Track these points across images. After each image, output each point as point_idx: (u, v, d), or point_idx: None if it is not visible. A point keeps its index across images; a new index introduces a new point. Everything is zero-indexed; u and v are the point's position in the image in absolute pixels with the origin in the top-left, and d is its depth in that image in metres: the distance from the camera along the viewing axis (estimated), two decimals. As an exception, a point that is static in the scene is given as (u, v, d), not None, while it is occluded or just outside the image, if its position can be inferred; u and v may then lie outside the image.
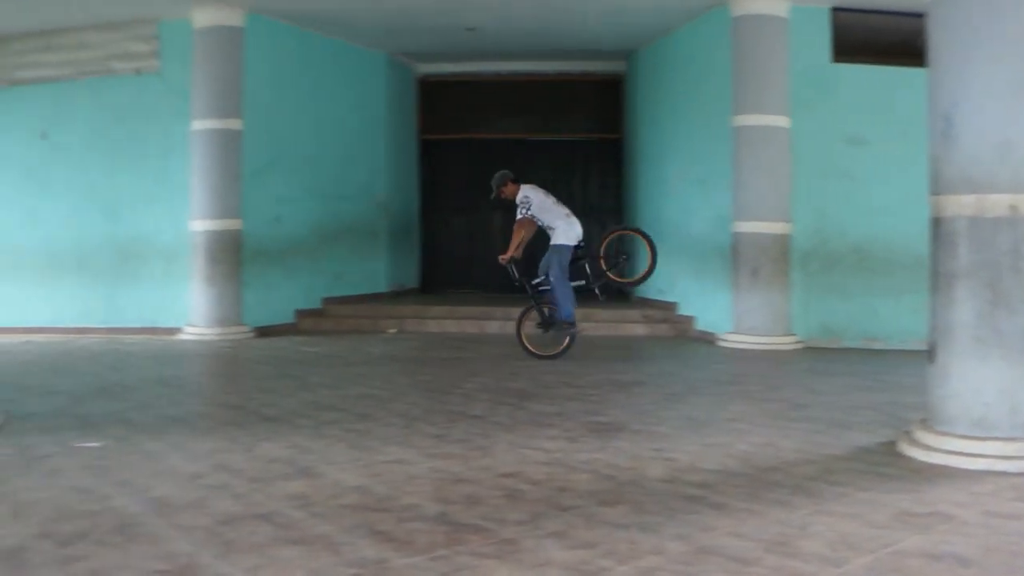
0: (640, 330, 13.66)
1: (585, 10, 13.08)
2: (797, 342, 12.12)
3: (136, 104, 13.76)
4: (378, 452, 6.26)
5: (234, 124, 13.19)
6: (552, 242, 10.92)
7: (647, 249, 11.10)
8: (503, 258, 11.09)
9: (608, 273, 11.23)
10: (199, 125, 13.14)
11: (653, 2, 12.80)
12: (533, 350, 11.08)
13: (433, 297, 16.52)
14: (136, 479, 5.57)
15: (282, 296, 14.00)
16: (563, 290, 10.76)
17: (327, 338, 13.21)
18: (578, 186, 17.46)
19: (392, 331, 13.80)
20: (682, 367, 10.75)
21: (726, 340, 12.24)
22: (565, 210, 11.00)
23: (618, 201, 17.15)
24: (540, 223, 11.00)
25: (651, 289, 13.98)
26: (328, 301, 14.76)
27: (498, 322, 13.72)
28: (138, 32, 13.68)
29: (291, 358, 11.46)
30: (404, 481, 5.53)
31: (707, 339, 12.73)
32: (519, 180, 11.19)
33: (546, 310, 11.07)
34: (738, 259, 12.28)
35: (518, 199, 11.01)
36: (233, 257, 13.01)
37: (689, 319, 13.50)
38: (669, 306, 14.04)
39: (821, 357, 11.41)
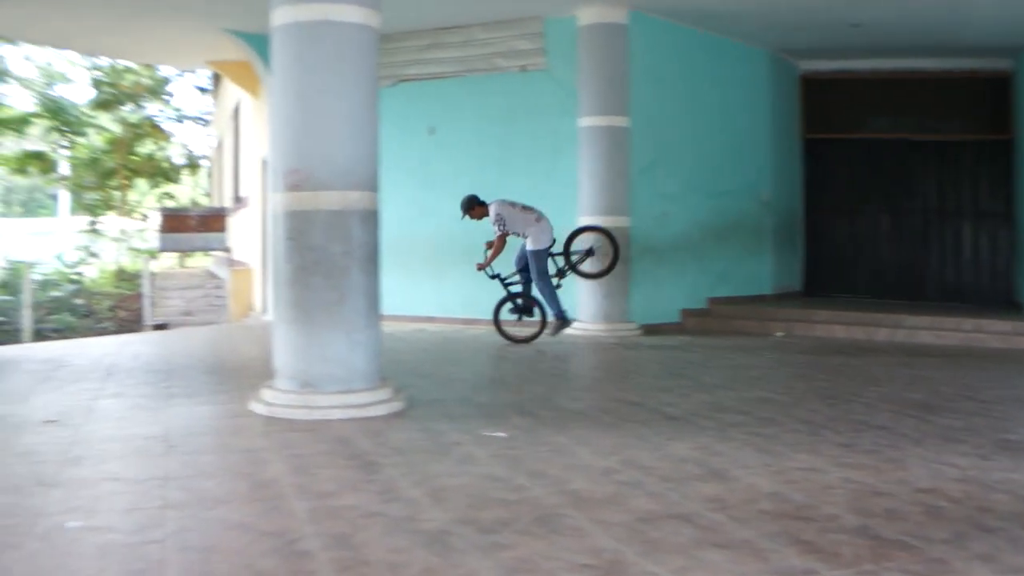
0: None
1: (973, 5, 12.42)
2: None
3: (522, 101, 14.17)
4: (788, 458, 6.09)
5: (620, 121, 13.27)
6: (528, 248, 12.01)
7: (609, 246, 12.22)
8: (480, 266, 12.29)
9: (572, 267, 12.28)
10: (587, 122, 13.32)
11: None
12: (509, 334, 12.27)
13: (818, 300, 16.06)
14: (548, 471, 5.63)
15: (668, 295, 14.04)
16: (548, 291, 12.01)
17: (713, 339, 13.10)
18: (967, 189, 16.51)
19: (780, 334, 13.54)
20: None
21: None
22: (535, 215, 11.99)
23: (1009, 205, 16.07)
24: (515, 234, 12.00)
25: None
26: (713, 301, 14.68)
27: (887, 329, 13.24)
28: (524, 30, 14.05)
29: (680, 357, 11.42)
30: (819, 490, 5.34)
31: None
32: (484, 202, 12.10)
33: (519, 300, 12.35)
34: None
35: (492, 219, 11.93)
36: (622, 254, 12.97)
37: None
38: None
39: None
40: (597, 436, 6.71)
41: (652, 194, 13.71)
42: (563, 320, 12.13)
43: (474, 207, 12.01)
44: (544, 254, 11.95)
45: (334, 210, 7.33)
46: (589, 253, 12.31)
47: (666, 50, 14.12)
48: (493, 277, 12.34)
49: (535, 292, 12.26)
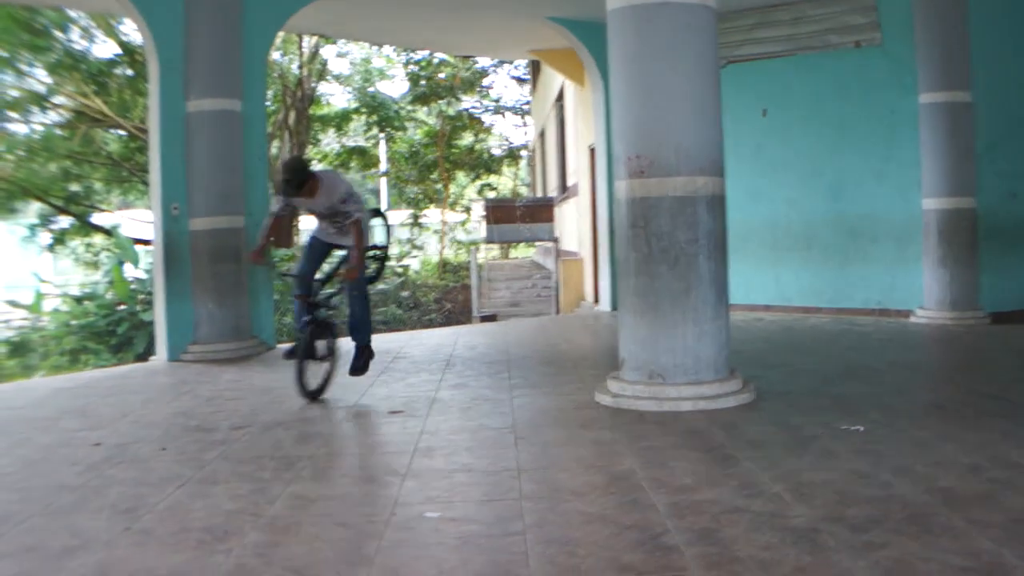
0: None
1: None
2: None
3: (857, 78, 13.78)
4: None
5: (963, 96, 12.70)
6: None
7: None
8: (348, 273, 8.31)
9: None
10: (927, 99, 12.81)
11: None
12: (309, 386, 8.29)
13: None
14: (914, 467, 5.51)
15: (1019, 280, 13.25)
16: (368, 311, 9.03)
17: None
18: None
19: None
20: None
21: None
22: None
23: None
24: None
25: None
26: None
27: None
28: (857, 3, 13.65)
29: None
30: None
31: None
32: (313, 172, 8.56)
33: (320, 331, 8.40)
34: None
35: (341, 196, 8.28)
36: (968, 237, 12.58)
37: None
38: None
39: None
40: (959, 431, 6.49)
41: (1000, 173, 13.04)
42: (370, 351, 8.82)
43: (307, 179, 8.02)
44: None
45: (680, 196, 7.35)
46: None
47: (1010, 16, 13.35)
48: (301, 296, 8.38)
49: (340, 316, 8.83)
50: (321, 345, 8.25)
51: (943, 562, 4.02)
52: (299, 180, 7.83)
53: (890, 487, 5.12)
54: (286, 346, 9.87)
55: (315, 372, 8.24)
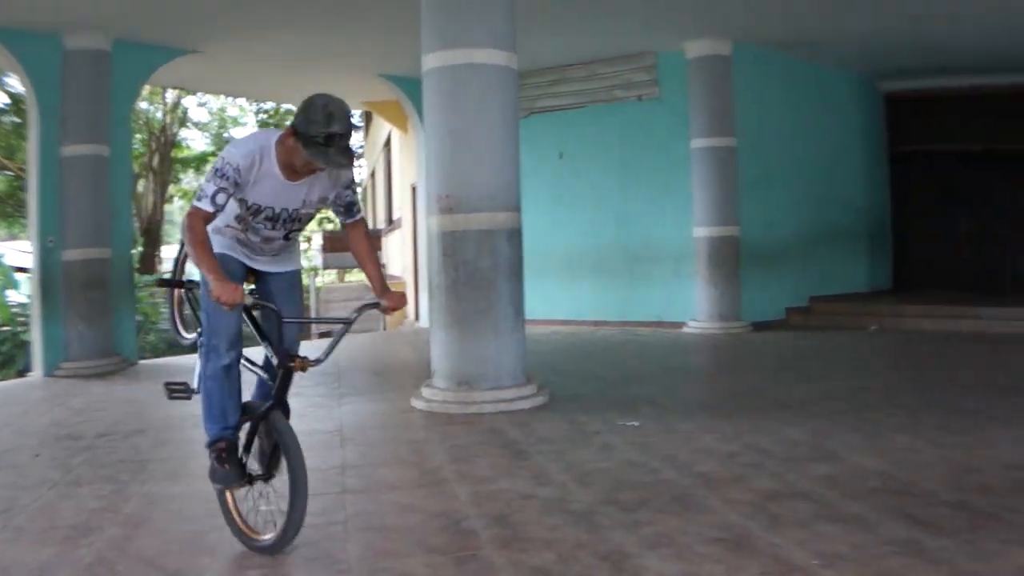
0: None
1: None
2: None
3: (640, 126, 14.06)
4: (890, 440, 6.03)
5: (728, 142, 13.13)
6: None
7: None
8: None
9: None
10: (697, 144, 13.19)
11: None
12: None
13: (906, 296, 15.55)
14: (679, 455, 5.64)
15: (774, 295, 13.80)
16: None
17: (815, 334, 12.86)
18: None
19: (873, 328, 13.22)
20: None
21: None
22: None
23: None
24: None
25: None
26: (814, 300, 14.40)
27: (970, 321, 12.85)
28: (639, 64, 13.95)
29: (787, 351, 11.25)
30: (919, 468, 5.30)
31: None
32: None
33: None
34: None
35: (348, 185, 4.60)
36: (732, 260, 12.97)
37: None
38: None
39: None
40: (720, 423, 6.67)
41: (758, 206, 13.50)
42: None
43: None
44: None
45: (483, 229, 7.44)
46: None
47: (767, 76, 13.92)
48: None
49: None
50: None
51: (699, 535, 4.12)
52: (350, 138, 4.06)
53: (658, 473, 5.22)
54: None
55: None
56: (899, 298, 15.26)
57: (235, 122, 35.10)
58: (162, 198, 28.62)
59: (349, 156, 4.01)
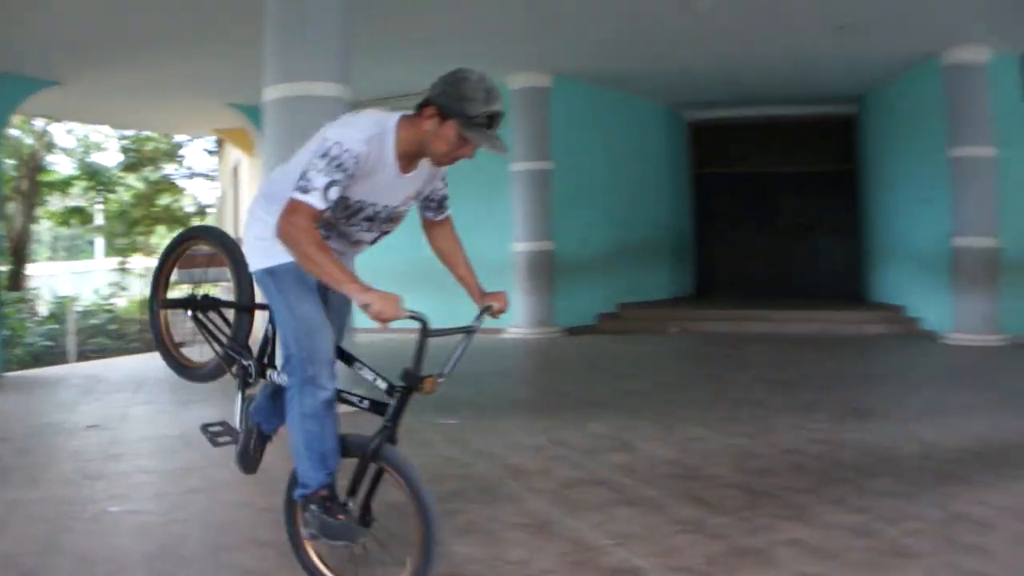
0: (873, 329, 12.91)
1: (820, 60, 12.62)
2: (1006, 339, 11.37)
3: (464, 151, 14.16)
4: (682, 431, 6.24)
5: (545, 165, 13.40)
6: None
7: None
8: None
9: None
10: (517, 167, 13.40)
11: (876, 56, 12.30)
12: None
13: (705, 302, 16.15)
14: (491, 450, 5.73)
15: (585, 302, 14.07)
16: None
17: (623, 337, 13.12)
18: (822, 209, 16.68)
19: (675, 331, 13.61)
20: (914, 361, 10.15)
21: (949, 338, 11.47)
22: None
23: (855, 221, 16.26)
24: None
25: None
26: (622, 306, 14.74)
27: (760, 323, 13.45)
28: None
29: (596, 353, 11.44)
30: (706, 455, 5.53)
31: (930, 337, 11.91)
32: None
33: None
34: (958, 269, 11.59)
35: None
36: (547, 272, 13.20)
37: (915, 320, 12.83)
38: (898, 308, 13.39)
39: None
40: (531, 420, 6.80)
41: (572, 223, 13.75)
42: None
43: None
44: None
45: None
46: None
47: (582, 107, 14.20)
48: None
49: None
50: None
51: (505, 521, 4.21)
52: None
53: (471, 467, 5.30)
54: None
55: None
56: (699, 303, 15.79)
57: (99, 147, 34.59)
58: (30, 219, 27.86)
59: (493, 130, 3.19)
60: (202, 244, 4.44)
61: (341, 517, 3.34)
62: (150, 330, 4.41)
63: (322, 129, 3.26)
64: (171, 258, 4.40)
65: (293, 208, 3.01)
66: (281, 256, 3.19)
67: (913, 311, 13.00)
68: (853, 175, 16.06)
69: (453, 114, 3.08)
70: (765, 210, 16.87)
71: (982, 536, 4.04)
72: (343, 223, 3.38)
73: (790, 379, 8.74)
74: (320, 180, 3.01)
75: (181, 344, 4.37)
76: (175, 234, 4.68)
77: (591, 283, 14.12)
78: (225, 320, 4.15)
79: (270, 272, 3.31)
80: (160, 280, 4.33)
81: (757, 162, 17.04)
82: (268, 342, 3.84)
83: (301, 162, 3.24)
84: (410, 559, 3.23)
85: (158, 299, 4.31)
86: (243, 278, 3.79)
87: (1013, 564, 3.80)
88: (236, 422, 3.80)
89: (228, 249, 4.15)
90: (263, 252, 3.35)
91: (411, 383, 3.39)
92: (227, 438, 4.10)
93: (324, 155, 3.05)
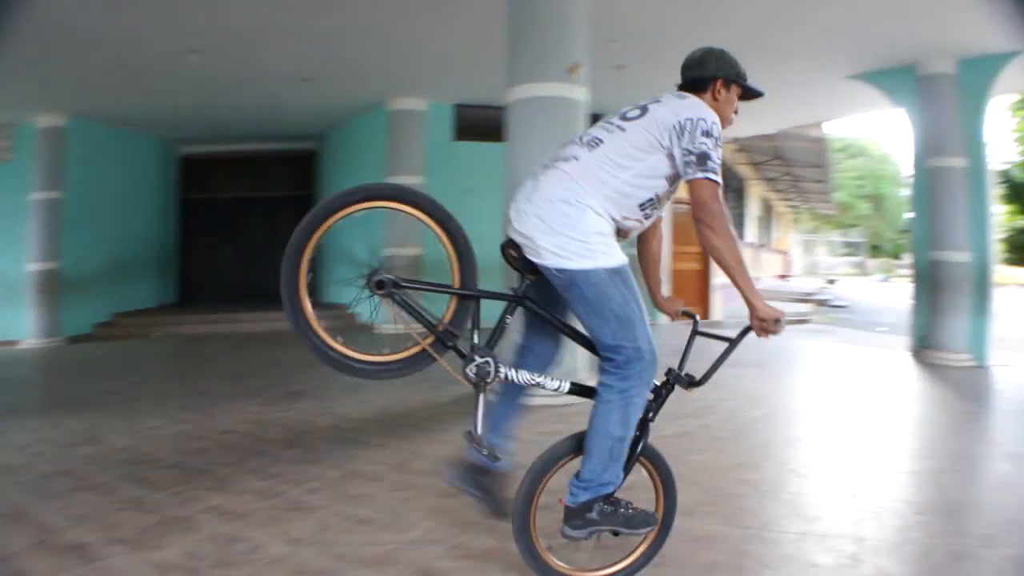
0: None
1: (289, 106, 12.99)
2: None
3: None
4: (142, 422, 6.04)
5: (57, 195, 12.94)
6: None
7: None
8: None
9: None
10: (34, 197, 12.88)
11: (335, 103, 12.79)
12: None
13: (186, 308, 15.87)
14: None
15: (83, 313, 13.42)
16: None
17: (114, 343, 12.56)
18: (285, 227, 17.02)
19: (157, 335, 13.39)
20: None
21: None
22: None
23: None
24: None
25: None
26: (116, 315, 14.15)
27: (229, 324, 13.54)
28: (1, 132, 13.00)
29: (88, 358, 10.82)
30: (157, 441, 5.35)
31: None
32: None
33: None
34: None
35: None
36: (53, 287, 12.72)
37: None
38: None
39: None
40: (21, 421, 6.26)
41: (74, 244, 13.10)
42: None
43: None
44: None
45: None
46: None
47: (91, 142, 13.46)
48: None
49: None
50: None
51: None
52: None
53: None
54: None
55: None
56: (179, 310, 15.50)
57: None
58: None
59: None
60: (396, 208, 2.84)
61: (632, 508, 2.77)
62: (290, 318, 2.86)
63: (675, 107, 2.70)
64: (325, 225, 2.89)
65: (715, 193, 2.54)
66: (619, 255, 2.66)
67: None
68: (310, 199, 16.55)
69: (736, 79, 2.87)
70: (239, 229, 16.99)
71: (369, 488, 4.15)
72: (662, 204, 2.82)
73: (241, 370, 8.65)
74: (719, 159, 2.60)
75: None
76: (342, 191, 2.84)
77: (90, 296, 13.47)
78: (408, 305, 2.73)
79: (615, 271, 2.63)
80: (302, 255, 2.96)
81: (234, 188, 17.13)
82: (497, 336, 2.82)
83: (649, 141, 2.65)
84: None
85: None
86: (468, 261, 2.83)
87: (389, 507, 3.91)
88: (478, 427, 2.67)
89: (444, 225, 2.85)
90: (605, 250, 2.64)
91: (679, 382, 2.90)
92: (495, 457, 2.76)
93: (712, 137, 2.60)
